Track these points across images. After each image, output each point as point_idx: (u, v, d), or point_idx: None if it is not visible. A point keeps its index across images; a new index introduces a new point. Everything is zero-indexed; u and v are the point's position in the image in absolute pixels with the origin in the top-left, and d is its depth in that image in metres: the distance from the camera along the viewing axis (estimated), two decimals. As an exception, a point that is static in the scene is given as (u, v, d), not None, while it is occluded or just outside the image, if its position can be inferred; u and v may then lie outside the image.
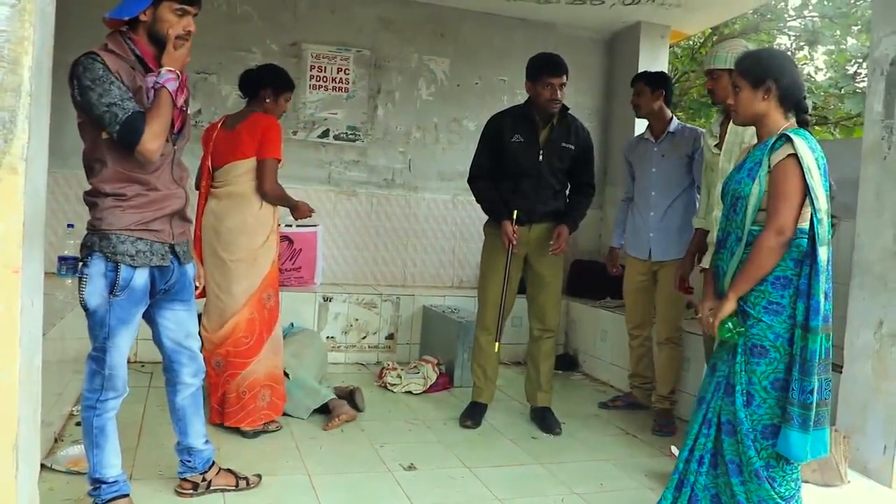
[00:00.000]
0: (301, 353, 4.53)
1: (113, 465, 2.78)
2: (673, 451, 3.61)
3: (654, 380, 4.72)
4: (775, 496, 2.48)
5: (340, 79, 6.13)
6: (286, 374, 4.27)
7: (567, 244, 4.18)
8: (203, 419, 3.11)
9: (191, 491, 3.08)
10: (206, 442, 3.13)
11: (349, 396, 4.42)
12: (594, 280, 6.05)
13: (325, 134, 6.13)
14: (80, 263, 2.66)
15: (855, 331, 3.49)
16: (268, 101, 3.96)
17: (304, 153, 6.08)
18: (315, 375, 4.49)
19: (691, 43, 10.67)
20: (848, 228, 3.77)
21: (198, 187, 4.02)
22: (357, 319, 5.67)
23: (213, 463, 3.16)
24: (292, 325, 5.10)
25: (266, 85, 3.97)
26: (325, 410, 4.20)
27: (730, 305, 2.58)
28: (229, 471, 3.20)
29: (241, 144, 3.83)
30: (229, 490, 3.15)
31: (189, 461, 3.08)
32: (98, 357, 2.69)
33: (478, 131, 6.40)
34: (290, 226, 5.77)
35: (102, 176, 2.59)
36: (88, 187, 2.66)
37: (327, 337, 5.57)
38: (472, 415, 4.37)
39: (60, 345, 3.65)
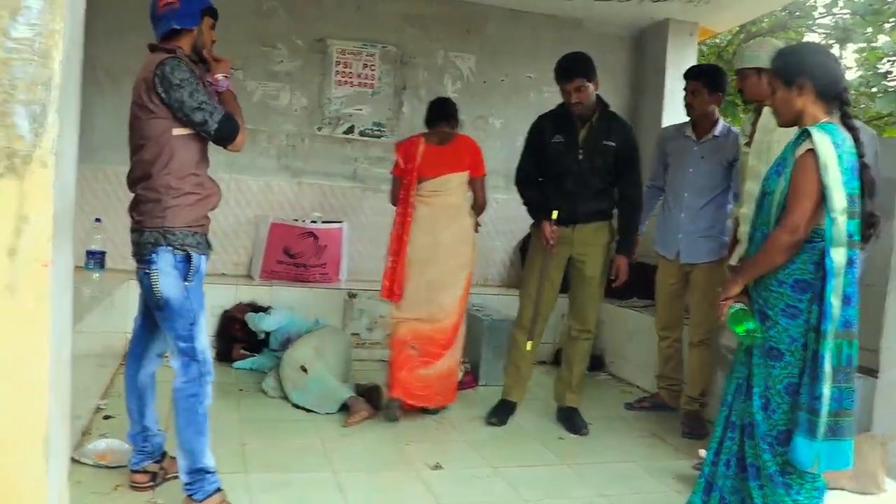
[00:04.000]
0: (323, 350, 4.52)
1: (211, 453, 2.87)
2: (701, 454, 3.55)
3: (682, 381, 4.66)
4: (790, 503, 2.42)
5: (366, 75, 6.11)
6: (304, 370, 4.30)
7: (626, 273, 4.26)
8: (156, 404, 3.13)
9: (150, 483, 3.05)
10: (159, 428, 3.16)
11: (368, 394, 4.39)
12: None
13: (351, 130, 6.12)
14: (144, 261, 2.75)
15: (892, 335, 3.41)
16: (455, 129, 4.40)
17: (330, 149, 6.09)
18: (337, 374, 4.48)
19: (718, 41, 10.55)
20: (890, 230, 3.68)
21: (394, 202, 4.41)
22: (382, 316, 5.59)
23: (165, 451, 3.16)
24: (317, 321, 5.09)
25: (456, 118, 4.42)
26: (345, 407, 4.20)
27: (735, 288, 2.55)
28: (174, 458, 3.15)
29: (457, 158, 4.27)
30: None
31: (145, 447, 3.06)
32: (188, 348, 2.79)
33: (504, 129, 6.44)
34: (315, 222, 5.78)
35: (169, 169, 2.72)
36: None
37: (352, 334, 5.54)
38: (500, 413, 4.35)
39: (87, 339, 3.65)
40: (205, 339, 2.83)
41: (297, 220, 5.83)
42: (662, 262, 4.64)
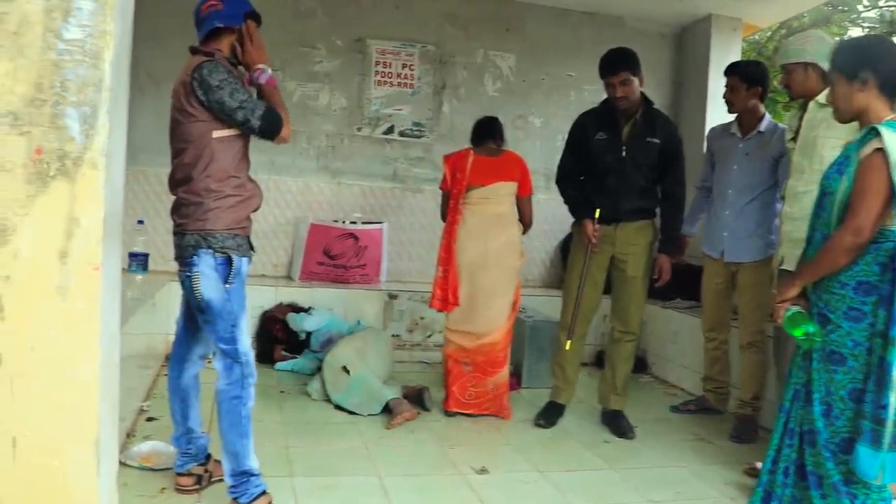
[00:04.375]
0: (364, 351, 4.52)
1: (255, 455, 2.86)
2: (758, 466, 3.45)
3: (729, 384, 4.59)
4: None
5: (405, 75, 6.09)
6: (346, 371, 4.30)
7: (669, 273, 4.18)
8: (199, 405, 3.09)
9: (195, 486, 3.04)
10: (203, 430, 3.14)
11: (417, 396, 4.39)
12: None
13: (390, 130, 6.11)
14: (185, 264, 2.76)
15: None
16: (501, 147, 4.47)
17: (369, 149, 6.08)
18: (379, 375, 4.47)
19: (758, 37, 10.39)
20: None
21: (444, 218, 4.42)
22: (422, 317, 5.62)
23: (210, 454, 3.14)
24: (359, 322, 5.11)
25: (503, 136, 4.51)
26: (388, 409, 4.17)
27: (792, 290, 2.48)
28: (218, 461, 3.09)
29: (507, 169, 4.33)
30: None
31: (189, 449, 3.05)
32: (230, 350, 2.78)
33: (544, 128, 6.40)
34: (355, 223, 5.77)
35: (210, 172, 2.71)
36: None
37: (392, 335, 5.53)
38: (548, 415, 4.32)
39: (130, 340, 3.67)
40: (247, 341, 2.83)
41: (336, 221, 5.83)
42: (708, 262, 4.57)
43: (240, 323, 2.79)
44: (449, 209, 4.35)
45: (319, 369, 4.60)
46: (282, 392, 4.56)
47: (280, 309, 5.27)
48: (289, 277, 5.86)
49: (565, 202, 4.31)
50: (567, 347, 4.19)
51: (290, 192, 5.92)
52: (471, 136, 4.50)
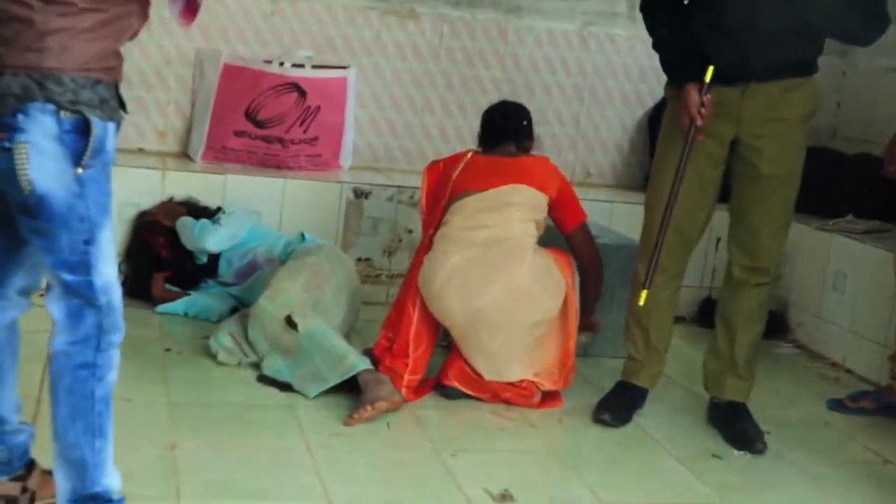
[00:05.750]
0: (319, 288, 4.58)
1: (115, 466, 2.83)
2: None
3: None
4: None
5: None
6: (293, 324, 4.28)
7: None
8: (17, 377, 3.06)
9: None
10: (22, 420, 3.11)
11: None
12: (830, 184, 5.87)
13: None
14: (1, 127, 2.61)
15: None
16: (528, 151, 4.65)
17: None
18: (339, 325, 4.49)
19: None
20: None
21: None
22: (411, 231, 5.61)
23: (33, 460, 3.09)
24: (303, 236, 5.08)
25: (530, 134, 4.67)
26: (352, 386, 4.13)
27: None
28: (49, 473, 3.04)
29: (531, 172, 4.44)
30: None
31: None
32: (80, 283, 2.67)
33: None
34: (302, 66, 5.76)
35: None
36: None
37: (359, 259, 5.53)
38: (617, 404, 4.34)
39: None
40: (111, 270, 2.74)
41: (269, 62, 5.77)
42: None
43: (98, 237, 2.67)
44: (420, 245, 4.54)
45: (234, 311, 4.68)
46: (167, 351, 4.58)
47: (167, 209, 5.27)
48: (185, 156, 5.87)
49: (655, 47, 4.29)
50: (641, 301, 4.12)
51: (187, 7, 5.80)
52: (478, 135, 4.64)
